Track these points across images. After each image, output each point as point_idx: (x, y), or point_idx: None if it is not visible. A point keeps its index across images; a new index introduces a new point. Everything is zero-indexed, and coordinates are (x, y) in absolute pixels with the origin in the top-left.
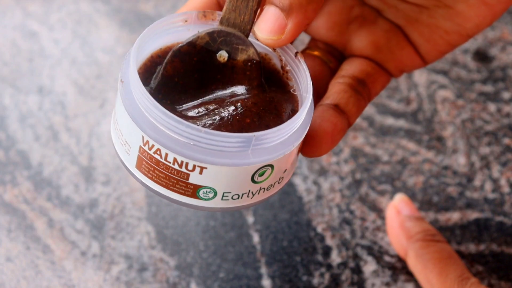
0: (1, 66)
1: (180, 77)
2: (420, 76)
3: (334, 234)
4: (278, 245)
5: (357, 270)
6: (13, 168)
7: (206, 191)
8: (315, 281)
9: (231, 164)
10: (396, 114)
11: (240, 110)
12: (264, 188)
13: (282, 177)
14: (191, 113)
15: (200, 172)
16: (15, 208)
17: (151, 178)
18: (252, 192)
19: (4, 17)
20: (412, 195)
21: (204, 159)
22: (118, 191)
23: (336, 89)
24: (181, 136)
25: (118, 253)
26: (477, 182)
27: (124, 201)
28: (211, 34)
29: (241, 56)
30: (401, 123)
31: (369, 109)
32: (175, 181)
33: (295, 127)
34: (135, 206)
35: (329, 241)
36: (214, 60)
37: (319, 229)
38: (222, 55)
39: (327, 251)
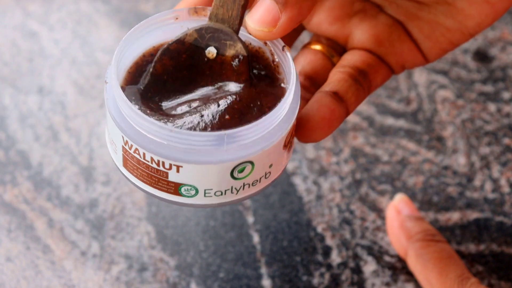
0: (1, 66)
1: (170, 75)
2: (420, 76)
3: (334, 234)
4: (278, 245)
5: (357, 270)
6: (13, 168)
7: (187, 189)
8: (315, 281)
9: (206, 162)
10: (396, 114)
11: (221, 107)
12: (249, 184)
13: (269, 172)
14: (175, 111)
15: (177, 171)
16: (15, 208)
17: (136, 176)
18: (235, 188)
19: (4, 17)
20: (412, 195)
21: (179, 158)
22: (118, 191)
23: (336, 78)
24: (155, 136)
25: (118, 253)
26: (477, 182)
27: (124, 201)
28: (199, 30)
29: (229, 52)
30: (401, 123)
31: (369, 109)
32: (156, 179)
33: (274, 123)
34: (135, 206)
35: (329, 241)
36: (203, 57)
37: (319, 229)
38: (211, 51)
39: (327, 251)
